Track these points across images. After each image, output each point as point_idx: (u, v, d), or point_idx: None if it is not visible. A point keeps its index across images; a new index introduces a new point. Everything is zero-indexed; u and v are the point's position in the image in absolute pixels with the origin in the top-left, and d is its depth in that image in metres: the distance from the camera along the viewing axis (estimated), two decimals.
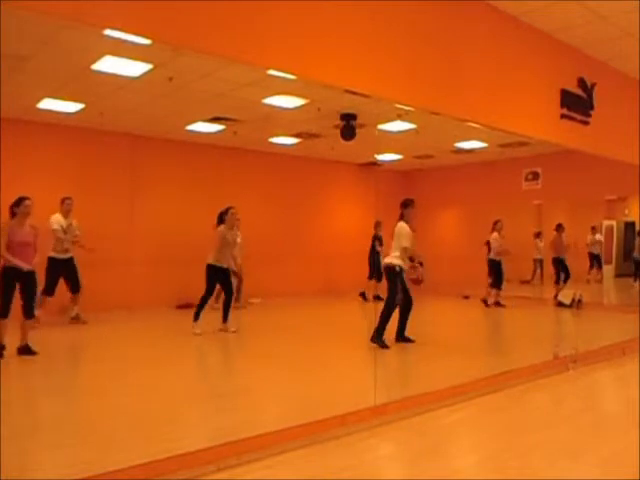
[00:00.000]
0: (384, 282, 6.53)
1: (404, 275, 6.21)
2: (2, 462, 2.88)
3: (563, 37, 5.69)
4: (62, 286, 7.20)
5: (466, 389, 4.44)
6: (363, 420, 3.72)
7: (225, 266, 6.94)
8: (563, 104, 5.82)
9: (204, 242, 7.02)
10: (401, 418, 3.87)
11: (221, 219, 6.96)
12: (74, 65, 5.73)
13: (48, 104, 7.09)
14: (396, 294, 6.13)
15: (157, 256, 8.79)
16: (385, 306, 6.18)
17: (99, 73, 5.77)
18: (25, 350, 5.42)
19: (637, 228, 10.43)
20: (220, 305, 7.26)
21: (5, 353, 5.35)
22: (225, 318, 6.98)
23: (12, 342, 5.40)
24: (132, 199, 9.07)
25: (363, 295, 9.99)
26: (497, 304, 9.51)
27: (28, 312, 5.44)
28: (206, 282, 6.85)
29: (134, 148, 9.02)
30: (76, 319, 7.39)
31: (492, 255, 9.41)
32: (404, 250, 6.10)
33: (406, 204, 6.26)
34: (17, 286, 5.40)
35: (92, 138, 8.61)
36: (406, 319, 6.32)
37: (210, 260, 6.84)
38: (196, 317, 6.75)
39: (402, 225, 6.20)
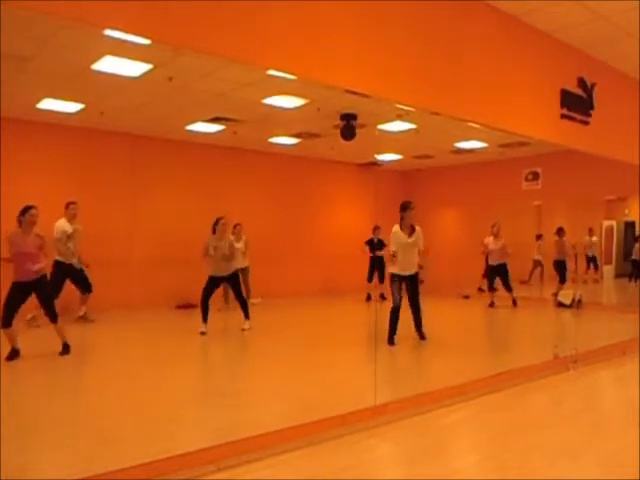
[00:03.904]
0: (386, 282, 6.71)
1: (403, 279, 6.33)
2: (2, 462, 2.89)
3: (563, 37, 5.69)
4: (65, 286, 7.21)
5: (466, 389, 4.45)
6: (363, 420, 3.73)
7: (221, 275, 7.03)
8: (563, 104, 5.82)
9: (204, 242, 7.02)
10: (401, 418, 3.87)
11: (214, 229, 7.08)
12: (74, 65, 5.73)
13: (48, 104, 7.09)
14: (393, 297, 6.34)
15: (157, 256, 8.79)
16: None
17: (99, 73, 5.77)
18: (65, 347, 5.68)
19: (637, 228, 10.43)
20: (228, 306, 7.52)
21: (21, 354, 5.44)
22: (246, 316, 7.20)
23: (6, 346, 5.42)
24: (132, 199, 9.07)
25: (368, 297, 9.99)
26: (514, 302, 9.49)
27: (50, 317, 5.59)
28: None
29: (134, 148, 9.02)
30: (84, 318, 7.45)
31: (491, 261, 9.40)
32: (392, 254, 6.28)
33: (404, 207, 6.28)
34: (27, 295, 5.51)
35: (92, 138, 8.61)
36: (417, 317, 6.51)
37: (209, 271, 7.04)
38: (204, 320, 6.89)
39: (393, 229, 6.31)
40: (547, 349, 5.65)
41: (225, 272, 7.04)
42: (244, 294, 7.73)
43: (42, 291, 5.54)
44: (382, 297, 8.95)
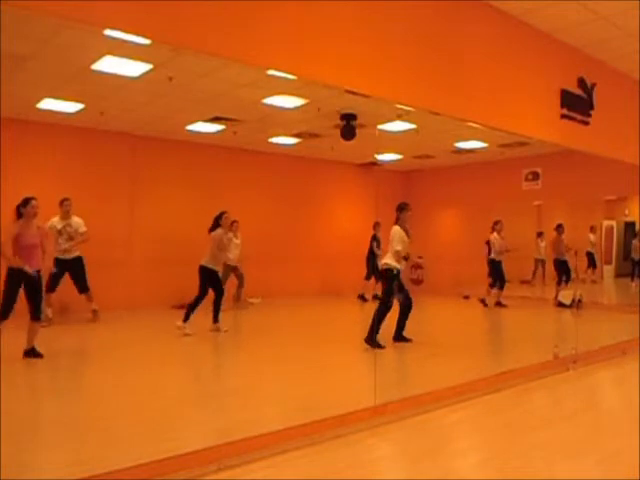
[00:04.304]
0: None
1: (400, 277, 6.21)
2: (2, 462, 2.88)
3: (563, 37, 5.69)
4: (65, 285, 7.23)
5: (466, 389, 4.45)
6: (363, 420, 3.73)
7: (217, 269, 6.99)
8: (563, 104, 5.82)
9: (203, 242, 7.02)
10: (401, 418, 3.87)
11: (217, 224, 7.03)
12: (74, 65, 5.73)
13: (48, 104, 7.08)
14: (391, 295, 6.14)
15: (156, 256, 8.79)
16: (379, 307, 6.15)
17: (99, 73, 5.77)
18: (31, 353, 5.34)
19: (637, 228, 10.43)
20: (227, 305, 7.37)
21: None
22: (216, 318, 7.01)
23: (20, 343, 5.37)
24: (132, 199, 9.07)
25: (362, 297, 10.00)
26: (498, 304, 9.50)
27: (35, 314, 5.35)
28: (199, 284, 6.86)
29: (134, 148, 9.02)
30: (94, 314, 7.43)
31: (493, 255, 9.41)
32: (396, 253, 6.14)
33: (401, 208, 6.28)
34: (22, 287, 5.33)
35: (92, 138, 8.60)
36: (405, 320, 6.32)
37: (204, 262, 6.87)
38: (186, 318, 6.72)
39: (395, 229, 6.24)
40: (547, 349, 5.65)
41: (219, 266, 7.00)
42: (240, 293, 7.65)
43: (33, 286, 5.35)
44: (377, 298, 8.93)
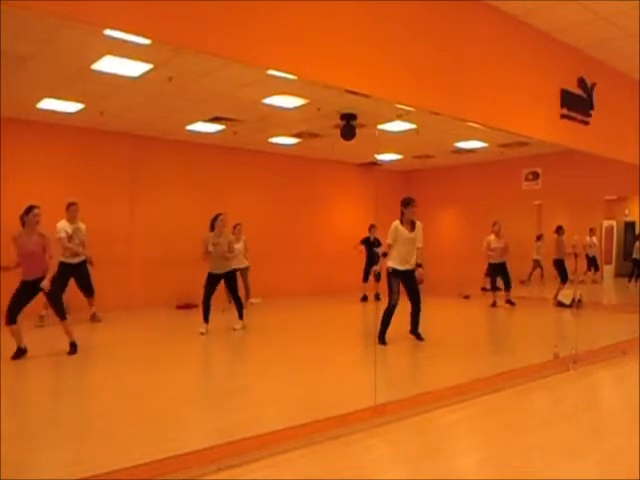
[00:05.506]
0: (382, 282, 6.66)
1: (402, 274, 6.25)
2: (2, 462, 2.89)
3: (563, 37, 5.69)
4: (70, 289, 7.24)
5: (466, 389, 4.45)
6: (363, 420, 3.73)
7: (220, 272, 7.02)
8: (563, 104, 5.82)
9: (202, 239, 7.03)
10: (401, 418, 3.87)
11: (212, 226, 7.09)
12: (74, 65, 5.73)
13: (48, 104, 7.09)
14: (391, 294, 6.23)
15: (157, 256, 8.78)
16: (385, 308, 6.29)
17: (99, 73, 5.77)
18: (73, 348, 5.71)
19: (637, 228, 10.43)
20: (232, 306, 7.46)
21: (27, 355, 5.45)
22: (240, 316, 7.22)
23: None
24: (132, 199, 9.07)
25: (364, 297, 10.00)
26: (508, 302, 9.45)
27: (58, 315, 5.66)
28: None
29: (134, 148, 9.02)
30: (93, 318, 7.50)
31: (491, 260, 9.39)
32: (387, 247, 6.30)
33: (406, 203, 6.28)
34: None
35: (92, 138, 8.61)
36: (415, 316, 6.44)
37: (208, 268, 7.02)
38: (205, 319, 6.89)
39: (393, 224, 6.31)
40: (547, 349, 5.65)
41: (223, 269, 7.03)
42: (244, 294, 7.67)
43: (48, 290, 5.51)
44: (377, 297, 8.96)
